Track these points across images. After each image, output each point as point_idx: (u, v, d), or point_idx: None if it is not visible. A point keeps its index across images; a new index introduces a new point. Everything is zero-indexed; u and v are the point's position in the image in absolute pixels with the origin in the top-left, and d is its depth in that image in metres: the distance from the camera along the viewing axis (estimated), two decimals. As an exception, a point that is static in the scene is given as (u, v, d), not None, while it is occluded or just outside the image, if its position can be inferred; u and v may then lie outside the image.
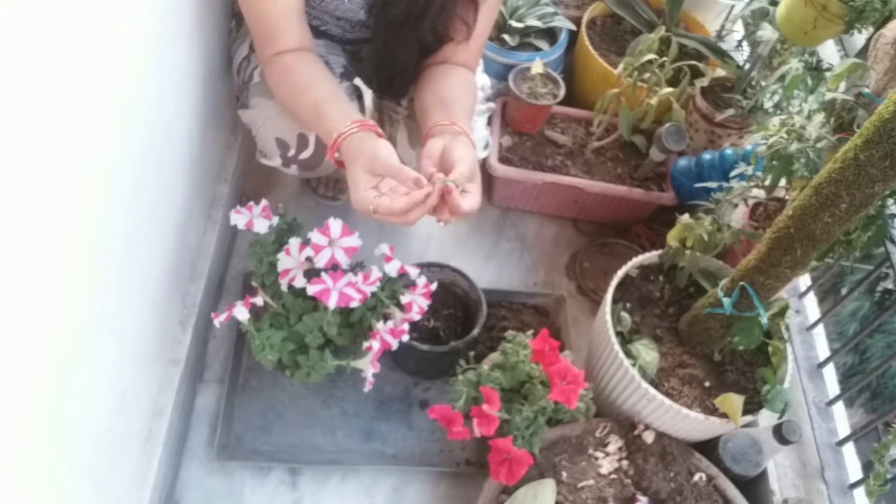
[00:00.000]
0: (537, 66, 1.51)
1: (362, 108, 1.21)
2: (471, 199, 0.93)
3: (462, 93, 1.10)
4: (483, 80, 1.32)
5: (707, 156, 1.47)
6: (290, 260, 1.05)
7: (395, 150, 1.24)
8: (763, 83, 1.52)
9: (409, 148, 1.22)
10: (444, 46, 1.12)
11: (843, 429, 1.22)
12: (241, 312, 1.03)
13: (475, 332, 1.22)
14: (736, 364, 1.17)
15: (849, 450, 1.19)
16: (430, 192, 0.88)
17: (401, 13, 1.06)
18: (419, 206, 0.88)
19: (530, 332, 1.15)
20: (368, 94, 1.30)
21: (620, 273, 1.21)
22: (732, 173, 1.20)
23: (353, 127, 0.93)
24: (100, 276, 0.80)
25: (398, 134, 1.22)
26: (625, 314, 1.16)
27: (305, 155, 1.14)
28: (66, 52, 0.65)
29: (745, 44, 1.64)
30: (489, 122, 1.53)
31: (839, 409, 1.24)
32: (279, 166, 1.16)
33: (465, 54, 1.13)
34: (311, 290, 1.00)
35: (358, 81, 1.24)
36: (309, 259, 1.03)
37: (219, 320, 1.04)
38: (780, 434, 1.08)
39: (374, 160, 0.91)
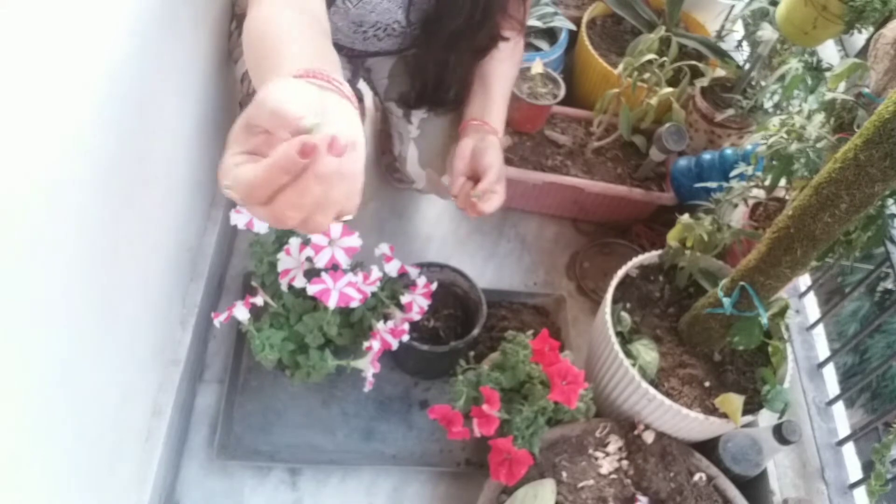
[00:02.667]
0: (537, 66, 1.51)
1: (363, 112, 1.21)
2: (495, 199, 1.02)
3: (504, 68, 1.13)
4: None
5: (707, 156, 1.47)
6: (290, 260, 1.05)
7: (406, 168, 1.23)
8: (763, 83, 1.52)
9: (419, 168, 1.21)
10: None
11: (843, 429, 1.22)
12: (241, 312, 1.03)
13: (475, 332, 1.22)
14: (736, 364, 1.17)
15: (849, 450, 1.19)
16: (304, 151, 0.46)
17: (461, 25, 1.04)
18: (292, 181, 0.47)
19: (530, 332, 1.15)
20: (368, 97, 1.30)
21: (620, 273, 1.20)
22: (732, 173, 1.20)
23: (299, 72, 0.57)
24: (100, 276, 0.80)
25: (408, 153, 1.21)
26: (625, 314, 1.15)
27: None
28: (66, 53, 0.65)
29: (745, 44, 1.64)
30: None
31: (839, 409, 1.24)
32: None
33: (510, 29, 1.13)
34: (311, 290, 1.00)
35: (362, 84, 1.23)
36: (309, 259, 1.03)
37: (219, 320, 1.04)
38: (780, 434, 1.08)
39: (259, 108, 0.50)
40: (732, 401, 1.07)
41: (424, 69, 1.15)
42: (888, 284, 1.70)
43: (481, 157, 1.04)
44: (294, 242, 1.06)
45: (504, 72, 1.14)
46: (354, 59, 1.23)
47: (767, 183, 1.12)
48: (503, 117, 1.12)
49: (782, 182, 1.09)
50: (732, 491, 1.12)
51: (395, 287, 1.13)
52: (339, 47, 1.18)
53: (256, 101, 0.50)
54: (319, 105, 0.52)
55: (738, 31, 1.70)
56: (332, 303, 1.00)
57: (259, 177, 0.47)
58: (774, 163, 1.06)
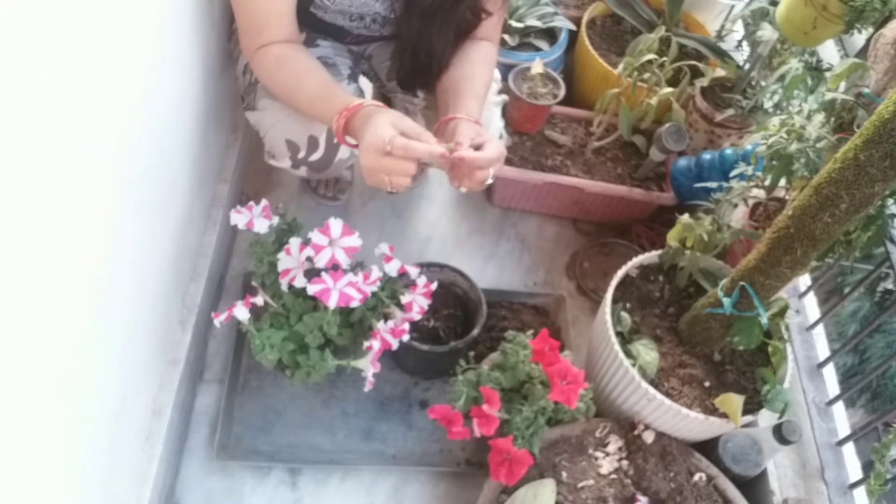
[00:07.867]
0: (537, 66, 1.51)
1: None
2: (485, 175, 0.97)
3: (477, 70, 1.12)
4: (495, 74, 1.32)
5: (707, 156, 1.47)
6: (291, 260, 1.05)
7: None
8: (763, 83, 1.52)
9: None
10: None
11: (843, 429, 1.22)
12: (241, 312, 1.03)
13: (475, 332, 1.22)
14: (736, 364, 1.17)
15: (849, 450, 1.19)
16: (447, 152, 0.91)
17: None
18: (428, 159, 0.91)
19: (530, 332, 1.15)
20: (369, 92, 1.30)
21: (620, 273, 1.20)
22: (732, 173, 1.20)
23: (372, 102, 0.97)
24: (100, 276, 0.80)
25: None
26: (625, 314, 1.16)
27: (316, 156, 1.13)
28: (67, 54, 0.65)
29: (745, 44, 1.64)
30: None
31: (839, 409, 1.24)
32: (288, 168, 1.15)
33: (487, 27, 1.14)
34: (312, 289, 1.00)
35: (362, 80, 1.24)
36: (309, 259, 1.03)
37: (219, 320, 1.04)
38: (780, 434, 1.08)
39: (402, 119, 0.92)
40: (732, 401, 1.07)
41: (407, 48, 1.15)
42: (888, 284, 1.70)
43: (482, 133, 1.03)
44: (294, 242, 1.06)
45: (475, 73, 1.12)
46: (353, 50, 1.24)
47: (767, 183, 1.13)
48: (471, 110, 1.09)
49: (782, 182, 1.09)
50: (732, 491, 1.12)
51: (395, 287, 1.13)
52: (343, 33, 1.19)
53: (400, 117, 0.93)
54: (396, 118, 0.92)
55: (738, 31, 1.70)
56: (332, 303, 1.00)
57: (422, 149, 0.89)
58: (774, 163, 1.06)
